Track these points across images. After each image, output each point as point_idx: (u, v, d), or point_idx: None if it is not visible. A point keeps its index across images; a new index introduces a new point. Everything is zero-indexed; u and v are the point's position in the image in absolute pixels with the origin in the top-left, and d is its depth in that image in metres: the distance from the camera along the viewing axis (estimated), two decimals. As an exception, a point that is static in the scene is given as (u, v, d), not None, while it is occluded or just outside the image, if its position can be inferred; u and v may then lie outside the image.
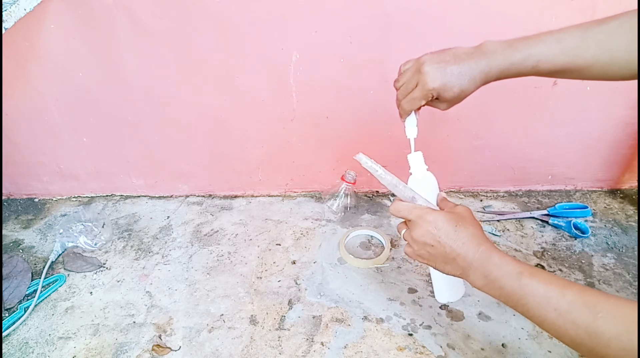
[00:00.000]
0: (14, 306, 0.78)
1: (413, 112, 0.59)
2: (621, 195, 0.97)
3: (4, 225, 1.00)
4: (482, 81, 0.52)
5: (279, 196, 1.05)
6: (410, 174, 0.63)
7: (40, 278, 0.83)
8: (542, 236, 0.87)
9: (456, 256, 0.50)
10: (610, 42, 0.47)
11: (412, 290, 0.77)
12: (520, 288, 0.44)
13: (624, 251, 0.82)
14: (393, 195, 1.02)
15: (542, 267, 0.79)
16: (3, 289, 0.80)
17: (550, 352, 0.64)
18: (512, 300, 0.46)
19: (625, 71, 0.48)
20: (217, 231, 0.95)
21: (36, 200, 1.09)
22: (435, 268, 0.54)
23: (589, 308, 0.39)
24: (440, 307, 0.73)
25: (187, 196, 1.07)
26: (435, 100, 0.55)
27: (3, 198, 1.10)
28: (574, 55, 0.49)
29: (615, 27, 0.47)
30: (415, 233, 0.53)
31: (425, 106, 0.57)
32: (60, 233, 0.91)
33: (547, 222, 0.90)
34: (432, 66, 0.52)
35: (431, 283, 0.78)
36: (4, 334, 0.72)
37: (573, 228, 0.85)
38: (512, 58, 0.50)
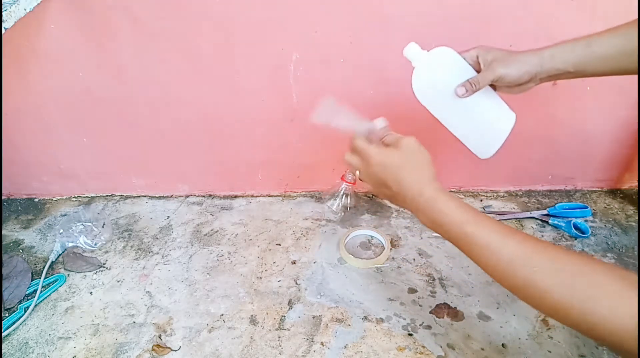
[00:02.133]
0: (14, 307, 0.78)
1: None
2: (621, 195, 0.97)
3: (4, 225, 1.00)
4: (536, 58, 0.56)
5: (279, 196, 1.05)
6: (414, 68, 0.61)
7: (40, 278, 0.83)
8: (542, 236, 0.87)
9: (405, 198, 0.53)
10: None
11: (412, 290, 0.77)
12: (464, 236, 0.47)
13: (624, 251, 0.82)
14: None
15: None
16: (3, 289, 0.80)
17: (550, 352, 0.64)
18: (458, 245, 0.49)
19: None
20: (217, 231, 0.95)
21: (36, 200, 1.09)
22: (391, 202, 0.58)
23: (525, 262, 0.42)
24: (439, 305, 0.73)
25: (187, 196, 1.07)
26: (496, 81, 0.58)
27: (3, 198, 1.10)
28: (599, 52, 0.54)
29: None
30: (367, 170, 0.57)
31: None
32: (60, 233, 0.91)
33: (547, 222, 0.90)
34: (495, 53, 0.58)
35: (431, 283, 0.78)
36: (4, 334, 0.72)
37: (573, 228, 0.85)
38: (558, 47, 0.56)
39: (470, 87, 0.57)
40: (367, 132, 0.59)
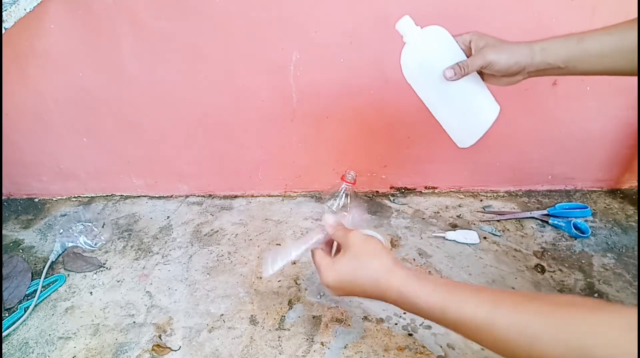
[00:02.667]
0: (14, 307, 0.78)
1: None
2: (621, 195, 0.97)
3: (4, 225, 1.00)
4: (527, 47, 0.55)
5: (279, 196, 1.05)
6: (405, 43, 0.59)
7: (40, 278, 0.83)
8: (542, 236, 0.87)
9: (376, 297, 0.49)
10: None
11: (412, 290, 0.77)
12: (447, 324, 0.44)
13: (624, 251, 0.82)
14: (393, 195, 1.02)
15: (542, 267, 0.79)
16: (3, 289, 0.80)
17: (550, 352, 0.64)
18: (447, 327, 0.45)
19: None
20: (217, 231, 0.95)
21: (36, 200, 1.09)
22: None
23: (523, 335, 0.38)
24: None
25: (187, 196, 1.07)
26: (485, 68, 0.56)
27: (3, 198, 1.10)
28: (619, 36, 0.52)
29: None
30: (330, 287, 0.53)
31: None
32: (60, 233, 0.91)
33: (547, 222, 0.90)
34: (487, 40, 0.57)
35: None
36: (4, 334, 0.72)
37: (573, 228, 0.85)
38: (553, 40, 0.54)
39: (459, 71, 0.56)
40: (320, 244, 0.59)
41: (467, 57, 0.58)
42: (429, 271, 0.80)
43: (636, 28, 0.51)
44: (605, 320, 0.35)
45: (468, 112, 0.61)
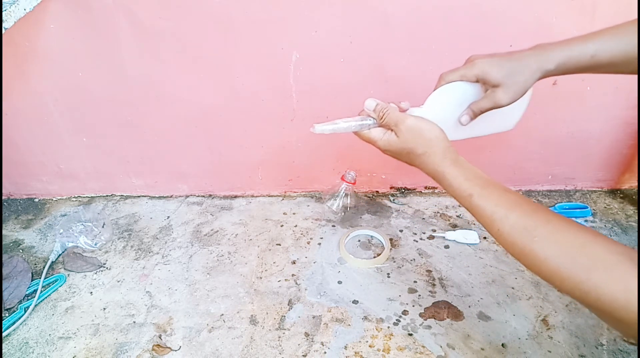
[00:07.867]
0: (14, 307, 0.78)
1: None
2: (621, 195, 0.97)
3: (4, 225, 1.00)
4: (539, 69, 0.54)
5: (279, 196, 1.05)
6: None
7: (40, 278, 0.83)
8: (542, 236, 0.87)
9: (417, 166, 0.57)
10: None
11: (412, 290, 0.77)
12: (470, 206, 0.50)
13: (624, 251, 0.82)
14: (393, 195, 1.02)
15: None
16: (3, 289, 0.80)
17: (550, 352, 0.64)
18: (470, 212, 0.51)
19: None
20: (217, 231, 0.95)
21: (36, 200, 1.09)
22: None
23: (527, 232, 0.43)
24: (439, 305, 0.73)
25: (187, 196, 1.07)
26: (491, 88, 0.56)
27: (3, 198, 1.10)
28: (633, 45, 0.51)
29: None
30: (383, 152, 0.60)
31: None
32: (60, 233, 0.91)
33: (547, 222, 0.89)
34: (482, 56, 0.56)
35: (430, 282, 0.78)
36: (4, 334, 0.72)
37: (573, 228, 0.85)
38: (570, 51, 0.53)
39: (472, 115, 0.60)
40: (365, 127, 0.62)
41: (476, 81, 0.58)
42: (429, 273, 0.80)
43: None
44: (611, 248, 0.39)
45: (497, 114, 0.62)
